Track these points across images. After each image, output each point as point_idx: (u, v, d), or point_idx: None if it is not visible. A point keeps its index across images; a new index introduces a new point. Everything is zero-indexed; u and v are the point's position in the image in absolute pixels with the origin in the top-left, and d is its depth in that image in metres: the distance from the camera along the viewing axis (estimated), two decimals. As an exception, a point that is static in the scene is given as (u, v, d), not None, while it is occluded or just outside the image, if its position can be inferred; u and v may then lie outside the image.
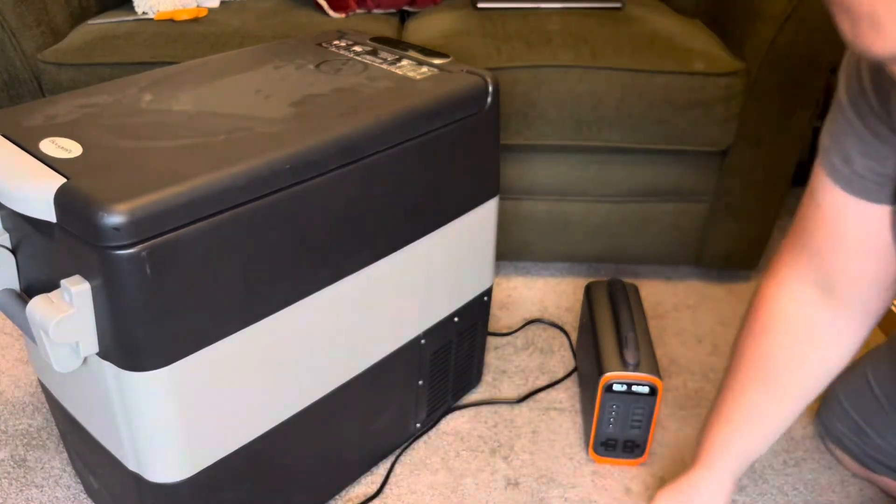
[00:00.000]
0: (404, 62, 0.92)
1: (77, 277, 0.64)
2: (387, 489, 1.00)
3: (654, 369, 0.98)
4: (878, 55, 0.43)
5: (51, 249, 0.68)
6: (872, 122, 0.65)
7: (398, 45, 0.98)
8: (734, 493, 1.00)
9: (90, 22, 1.36)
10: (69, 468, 1.01)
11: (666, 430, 1.10)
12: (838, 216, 0.71)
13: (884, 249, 0.71)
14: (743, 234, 1.35)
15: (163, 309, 0.65)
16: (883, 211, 0.69)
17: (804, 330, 0.79)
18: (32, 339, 0.68)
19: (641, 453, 1.03)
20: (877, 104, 0.64)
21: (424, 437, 1.07)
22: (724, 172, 1.29)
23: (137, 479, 0.76)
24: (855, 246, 0.72)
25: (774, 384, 0.81)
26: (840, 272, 0.74)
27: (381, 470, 1.02)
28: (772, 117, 1.22)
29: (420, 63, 0.92)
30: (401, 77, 0.87)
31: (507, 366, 1.22)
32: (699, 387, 1.18)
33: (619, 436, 1.02)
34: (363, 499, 0.98)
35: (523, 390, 1.17)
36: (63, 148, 0.67)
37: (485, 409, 1.13)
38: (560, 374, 1.20)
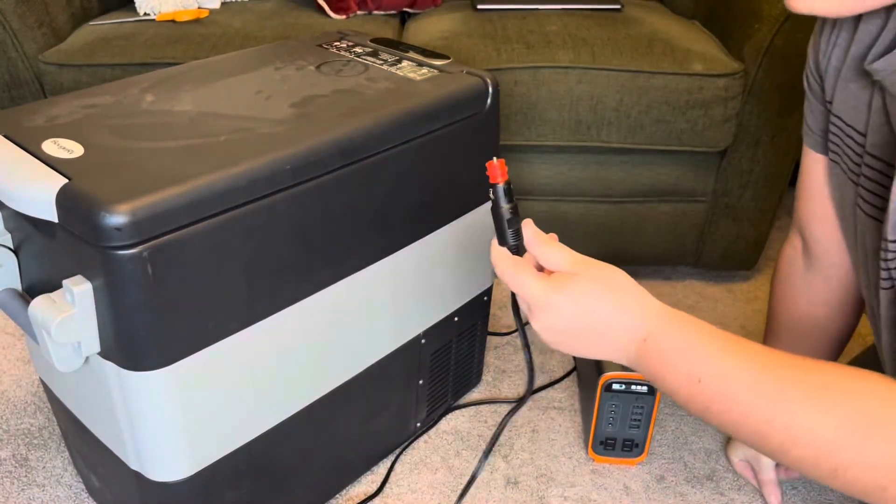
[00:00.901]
0: (405, 63, 0.92)
1: (79, 277, 0.65)
2: (387, 488, 1.00)
3: (653, 369, 0.98)
4: (794, 11, 0.64)
5: (52, 250, 0.69)
6: (811, 82, 0.80)
7: (398, 46, 0.98)
8: (734, 491, 1.00)
9: (92, 23, 1.37)
10: (71, 467, 1.01)
11: (665, 430, 1.10)
12: (807, 169, 0.86)
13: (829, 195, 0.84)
14: (741, 234, 1.35)
15: (164, 309, 0.65)
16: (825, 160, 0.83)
17: (789, 272, 0.95)
18: (34, 338, 0.69)
19: (640, 452, 1.03)
20: (814, 67, 0.79)
21: (424, 437, 1.08)
22: (722, 173, 1.29)
23: (139, 478, 0.76)
24: (814, 192, 0.86)
25: (775, 321, 0.99)
26: (807, 217, 0.88)
27: (381, 469, 1.03)
28: (770, 118, 1.22)
29: (420, 64, 0.92)
30: (401, 78, 0.88)
31: (506, 365, 1.22)
32: (698, 386, 1.18)
33: (619, 435, 1.02)
34: (363, 498, 0.98)
35: (523, 389, 1.17)
36: (65, 148, 0.68)
37: (485, 408, 1.13)
38: (560, 374, 1.20)
